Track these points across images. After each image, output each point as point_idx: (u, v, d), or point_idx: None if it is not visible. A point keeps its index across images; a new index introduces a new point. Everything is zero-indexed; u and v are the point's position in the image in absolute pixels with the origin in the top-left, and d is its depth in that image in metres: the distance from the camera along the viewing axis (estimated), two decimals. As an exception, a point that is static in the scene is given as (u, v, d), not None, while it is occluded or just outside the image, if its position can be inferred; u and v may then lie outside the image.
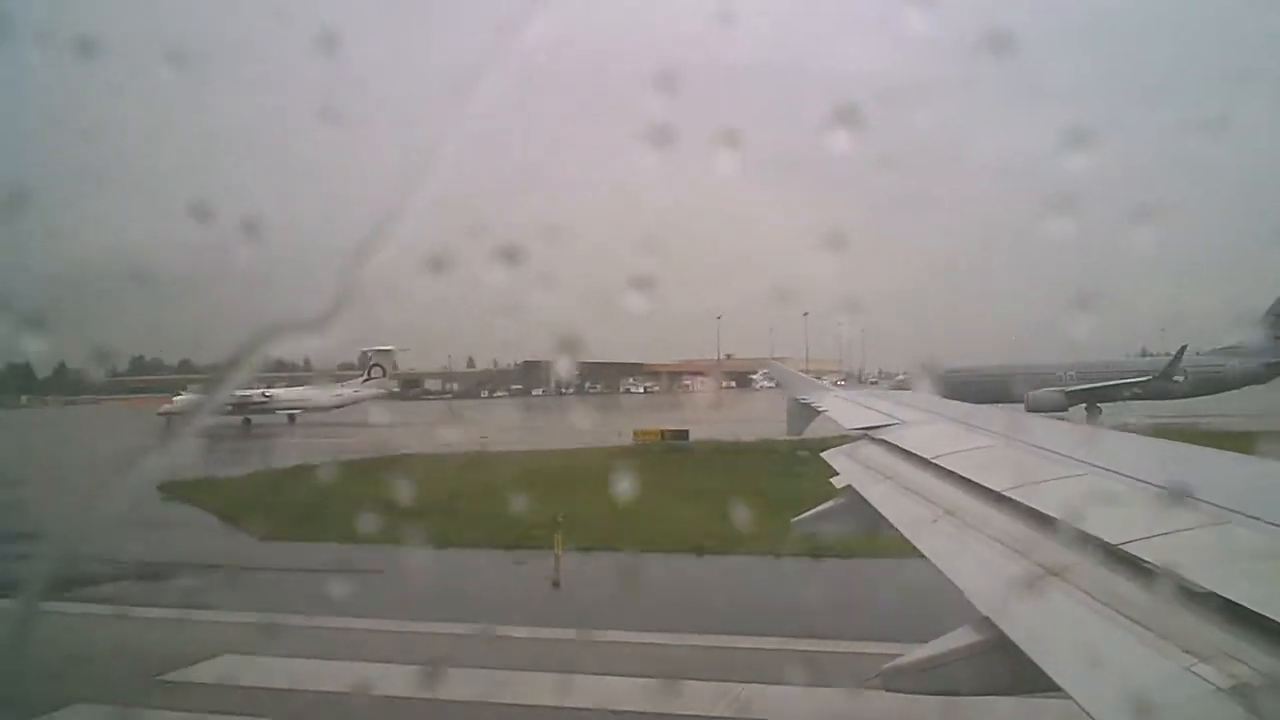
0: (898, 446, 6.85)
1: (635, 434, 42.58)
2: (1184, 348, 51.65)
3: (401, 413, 70.20)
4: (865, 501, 5.97)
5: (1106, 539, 3.28)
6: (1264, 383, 52.23)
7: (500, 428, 50.82)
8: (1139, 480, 4.04)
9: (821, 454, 8.00)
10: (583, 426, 48.54)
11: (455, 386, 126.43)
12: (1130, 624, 2.68)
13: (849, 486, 6.64)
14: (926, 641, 3.45)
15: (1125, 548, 3.14)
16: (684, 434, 42.80)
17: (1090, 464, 4.49)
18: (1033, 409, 48.25)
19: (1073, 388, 53.14)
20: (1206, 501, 3.40)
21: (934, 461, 5.84)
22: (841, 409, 10.65)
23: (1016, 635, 2.92)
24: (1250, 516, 3.18)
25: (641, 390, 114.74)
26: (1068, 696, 2.44)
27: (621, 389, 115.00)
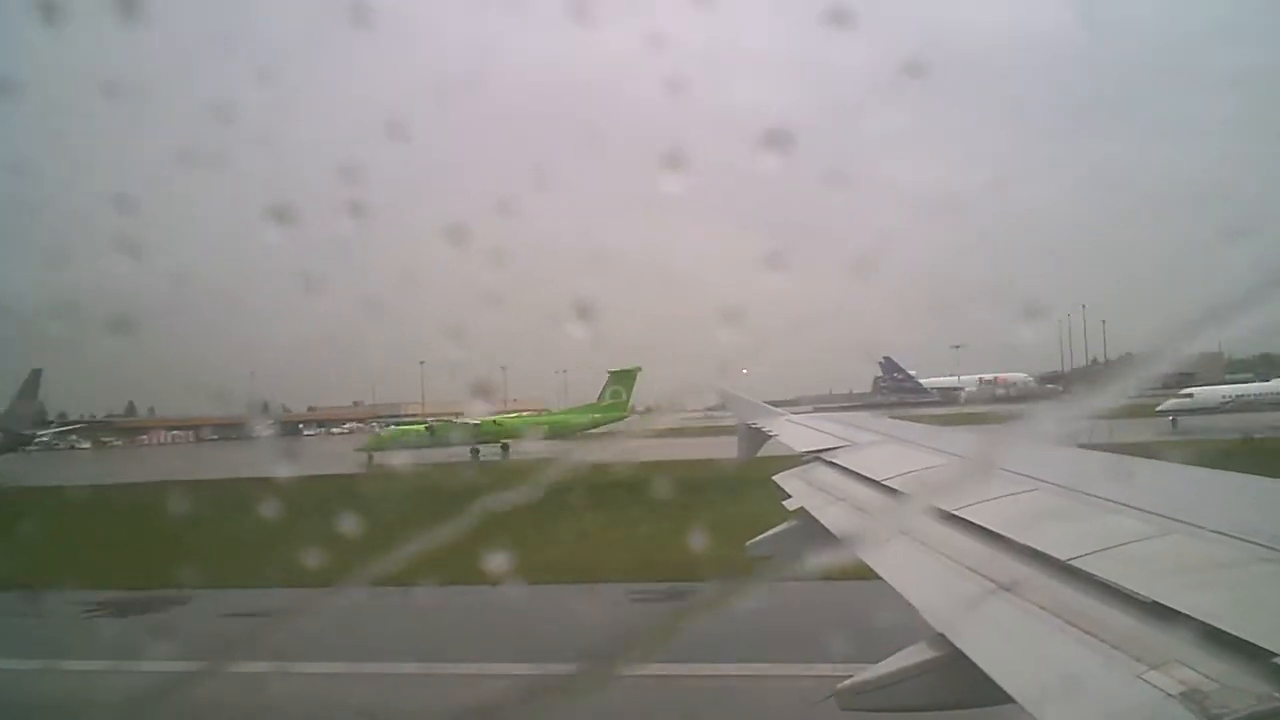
0: (849, 468, 6.90)
1: None
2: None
3: None
4: (818, 523, 5.99)
5: (1055, 554, 3.32)
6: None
7: None
8: (1085, 494, 4.11)
9: (774, 477, 8.03)
10: None
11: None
12: (1081, 635, 2.71)
13: (802, 509, 6.66)
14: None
15: (1074, 562, 3.18)
16: None
17: (1039, 480, 4.56)
18: None
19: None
20: (1151, 512, 3.46)
21: (884, 482, 5.90)
22: (791, 432, 10.71)
23: (970, 650, 2.93)
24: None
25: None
26: (1022, 709, 2.46)
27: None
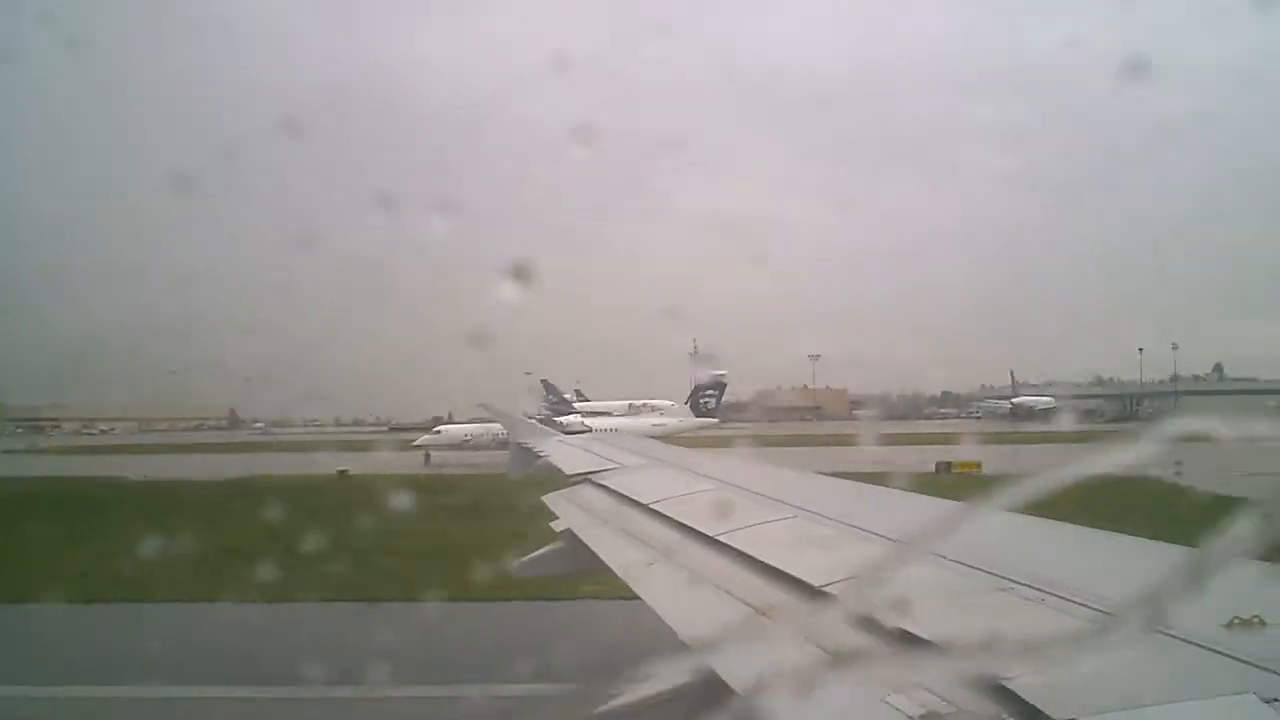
0: (617, 491, 6.96)
1: None
2: None
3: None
4: (584, 545, 6.00)
5: (810, 580, 3.45)
6: None
7: None
8: (843, 523, 4.30)
9: (543, 498, 8.01)
10: None
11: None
12: (828, 657, 2.81)
13: (568, 530, 6.66)
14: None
15: (826, 588, 3.31)
16: None
17: (797, 507, 4.74)
18: None
19: None
20: (893, 539, 3.65)
21: (650, 506, 5.97)
22: (562, 454, 10.73)
23: (724, 672, 2.98)
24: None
25: None
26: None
27: None
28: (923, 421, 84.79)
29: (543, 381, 66.69)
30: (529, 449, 12.62)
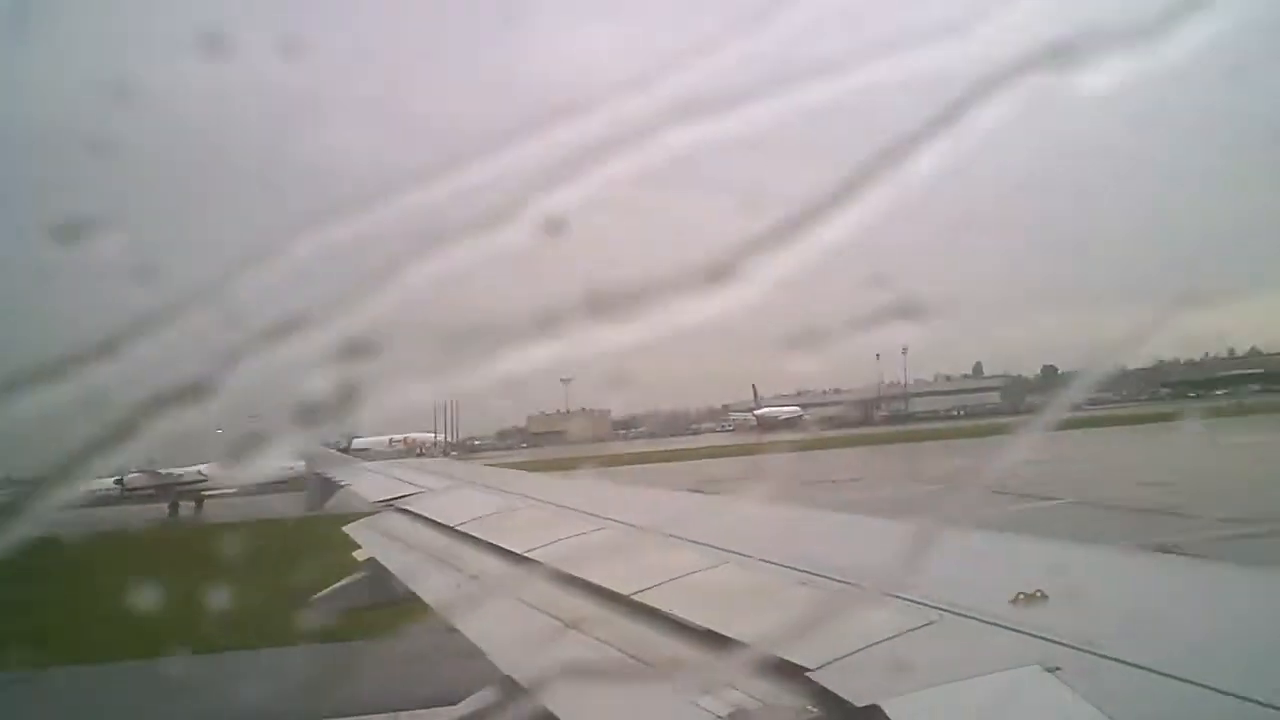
0: (421, 515, 6.76)
1: None
2: None
3: None
4: (389, 573, 5.78)
5: (617, 589, 3.41)
6: None
7: None
8: (645, 530, 4.30)
9: (344, 528, 7.67)
10: None
11: None
12: (640, 665, 2.78)
13: (371, 559, 6.41)
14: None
15: (635, 596, 3.29)
16: None
17: (604, 518, 4.72)
18: None
19: None
20: (704, 544, 3.68)
21: (457, 528, 5.82)
22: (365, 481, 10.34)
23: (535, 689, 2.91)
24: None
25: None
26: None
27: None
28: (675, 438, 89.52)
29: None
30: (329, 479, 12.06)
